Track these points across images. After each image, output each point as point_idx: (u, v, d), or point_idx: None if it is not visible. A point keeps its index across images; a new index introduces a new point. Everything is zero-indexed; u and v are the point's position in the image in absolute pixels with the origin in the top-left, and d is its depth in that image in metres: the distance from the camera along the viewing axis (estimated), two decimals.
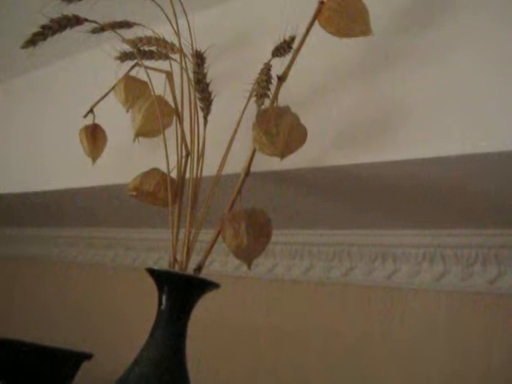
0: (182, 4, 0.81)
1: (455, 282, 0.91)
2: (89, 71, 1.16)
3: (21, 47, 0.76)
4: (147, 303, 0.89)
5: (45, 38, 0.77)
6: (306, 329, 1.05)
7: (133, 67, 0.90)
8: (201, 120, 0.80)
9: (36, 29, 0.77)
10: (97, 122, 0.93)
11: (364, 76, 0.75)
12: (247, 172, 0.73)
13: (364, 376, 0.96)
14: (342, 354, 1.00)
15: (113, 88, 0.91)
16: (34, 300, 1.62)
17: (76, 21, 0.80)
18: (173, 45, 0.85)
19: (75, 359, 1.11)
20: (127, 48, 0.89)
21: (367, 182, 0.79)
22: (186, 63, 0.81)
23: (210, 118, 0.80)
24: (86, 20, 0.81)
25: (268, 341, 1.10)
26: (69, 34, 0.80)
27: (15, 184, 1.27)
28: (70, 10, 0.79)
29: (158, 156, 0.80)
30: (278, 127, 0.66)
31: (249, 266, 0.70)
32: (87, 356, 1.12)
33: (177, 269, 0.75)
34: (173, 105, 0.82)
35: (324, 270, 1.05)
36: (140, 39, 0.87)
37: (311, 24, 0.69)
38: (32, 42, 0.76)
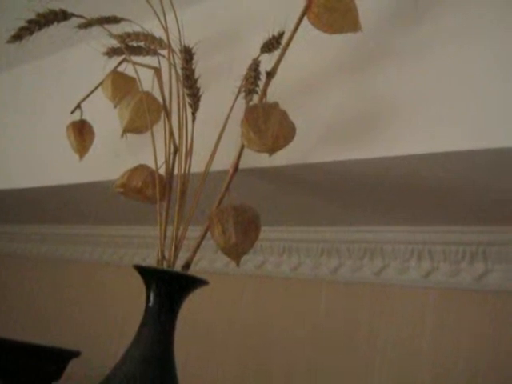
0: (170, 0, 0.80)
1: (443, 279, 0.91)
2: (76, 67, 1.15)
3: (7, 42, 0.75)
4: (135, 300, 0.88)
5: (31, 33, 0.76)
6: (294, 325, 1.05)
7: (120, 63, 0.89)
8: (189, 116, 0.79)
9: (22, 24, 0.76)
10: (84, 117, 0.92)
11: (352, 72, 0.74)
12: (235, 168, 0.73)
13: (352, 372, 0.96)
14: (330, 350, 1.00)
15: (100, 84, 0.90)
16: (22, 297, 1.61)
17: (63, 16, 0.79)
18: (161, 40, 0.84)
19: (63, 357, 1.11)
20: (115, 43, 0.88)
21: (355, 179, 0.79)
22: (174, 59, 0.80)
23: (198, 114, 0.79)
24: (73, 15, 0.80)
25: (257, 338, 1.10)
26: (56, 28, 0.80)
27: (5, 180, 1.26)
28: (57, 4, 0.79)
29: (146, 152, 0.80)
30: (267, 123, 0.65)
31: (237, 263, 0.70)
32: (75, 354, 1.11)
33: (165, 266, 0.74)
34: (161, 101, 0.82)
35: (312, 267, 1.05)
36: (128, 35, 0.86)
37: (300, 20, 0.68)
38: (18, 36, 0.75)
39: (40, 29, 0.77)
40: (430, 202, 0.83)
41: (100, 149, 0.94)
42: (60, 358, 1.11)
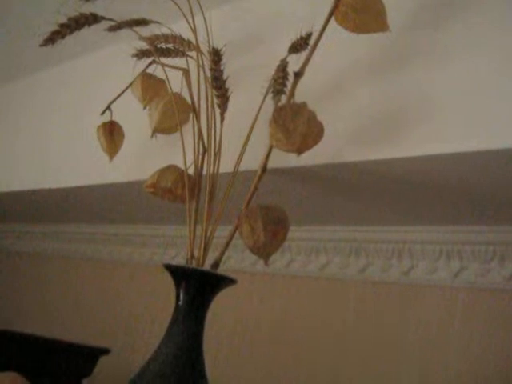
0: (198, 1, 0.81)
1: (472, 279, 0.91)
2: (106, 69, 1.17)
3: (40, 45, 0.77)
4: (164, 299, 0.89)
5: (63, 37, 0.78)
6: (322, 325, 1.05)
7: (150, 64, 0.90)
8: (218, 117, 0.80)
9: (53, 28, 0.78)
10: (114, 119, 0.93)
11: (380, 72, 0.74)
12: (264, 168, 0.73)
13: (380, 374, 0.96)
14: (357, 350, 1.00)
15: (130, 85, 0.91)
16: (52, 296, 1.64)
17: (94, 19, 0.80)
18: (189, 42, 0.85)
19: (93, 354, 1.13)
20: (144, 45, 0.89)
21: (384, 178, 0.79)
22: (202, 60, 0.81)
23: (226, 114, 0.80)
24: (104, 18, 0.81)
25: (284, 337, 1.10)
26: (86, 31, 0.81)
27: (32, 181, 1.28)
28: (88, 8, 0.80)
29: (175, 153, 0.81)
30: (295, 124, 0.66)
31: (266, 262, 0.70)
32: (104, 351, 1.13)
33: (194, 265, 0.75)
34: (190, 102, 0.83)
35: (340, 267, 1.05)
36: (157, 37, 0.87)
37: (328, 20, 0.68)
38: (51, 40, 0.77)
39: (71, 32, 0.78)
40: (459, 201, 0.82)
41: (129, 149, 0.96)
42: (90, 355, 1.13)
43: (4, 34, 1.26)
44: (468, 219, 0.89)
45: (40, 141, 1.31)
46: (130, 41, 0.90)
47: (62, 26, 0.77)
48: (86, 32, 0.81)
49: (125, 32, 0.86)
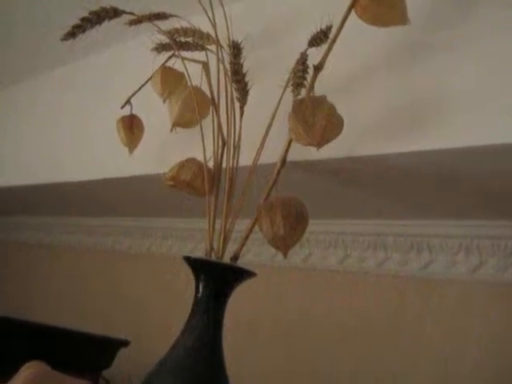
0: None
1: (491, 273, 0.90)
2: (126, 62, 1.17)
3: (61, 39, 0.77)
4: (182, 291, 0.90)
5: (84, 31, 0.78)
6: (341, 318, 1.06)
7: (169, 58, 0.90)
8: (237, 110, 0.80)
9: (73, 21, 0.78)
10: (134, 112, 0.94)
11: (400, 65, 0.74)
12: (283, 161, 0.73)
13: (397, 367, 0.96)
14: (376, 344, 1.00)
15: (150, 79, 0.92)
16: (71, 287, 1.66)
17: (114, 13, 0.81)
18: (209, 35, 0.85)
19: (113, 346, 1.13)
20: (164, 39, 0.90)
21: (403, 172, 0.79)
22: (222, 54, 0.81)
23: (246, 108, 0.80)
24: (124, 12, 0.82)
25: (303, 330, 1.10)
26: (107, 25, 0.81)
27: (55, 173, 1.29)
28: (107, 1, 0.80)
29: (195, 146, 0.81)
30: (315, 117, 0.66)
31: (285, 255, 0.70)
32: (124, 343, 1.14)
33: (213, 257, 0.76)
34: (209, 95, 0.83)
35: (359, 260, 1.05)
36: (176, 30, 0.87)
37: (347, 13, 0.68)
38: (72, 34, 0.77)
39: (92, 26, 0.78)
40: (478, 195, 0.82)
41: (149, 143, 0.96)
42: (110, 346, 1.14)
43: (22, 32, 1.27)
44: (487, 214, 0.88)
45: (53, 136, 1.32)
46: (145, 35, 0.90)
47: (82, 19, 0.78)
48: (106, 25, 0.81)
49: (144, 26, 0.86)
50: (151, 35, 0.88)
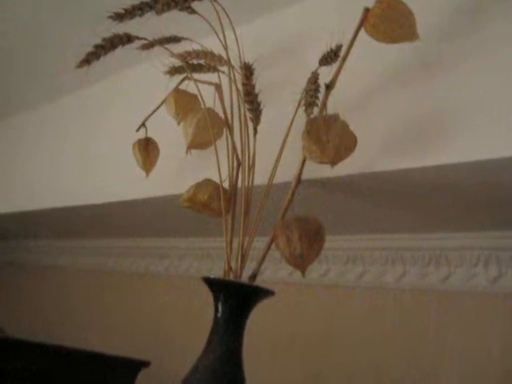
0: (228, 17, 0.82)
1: (511, 285, 0.90)
2: (139, 86, 1.19)
3: (76, 67, 0.78)
4: (201, 311, 0.90)
5: (98, 57, 0.79)
6: (360, 334, 1.05)
7: (182, 81, 0.92)
8: (251, 130, 0.81)
9: (89, 48, 0.80)
10: (149, 135, 0.95)
11: (411, 81, 0.75)
12: (298, 180, 0.74)
13: (419, 381, 0.95)
14: (397, 359, 0.99)
15: (163, 102, 0.93)
16: (91, 308, 1.66)
17: (127, 39, 0.82)
18: (221, 57, 0.86)
19: (133, 367, 1.14)
20: (176, 62, 0.91)
21: (417, 187, 0.79)
22: (234, 75, 0.82)
23: (259, 128, 0.81)
24: (137, 37, 0.83)
25: (322, 347, 1.10)
26: (120, 50, 0.83)
27: (69, 197, 1.30)
28: (119, 28, 0.82)
29: (210, 167, 0.82)
30: (328, 135, 0.66)
31: (303, 273, 0.70)
32: (144, 364, 1.14)
33: (231, 277, 0.76)
34: (223, 116, 0.84)
35: (377, 275, 1.05)
36: (188, 53, 0.89)
37: (357, 31, 0.69)
38: (86, 61, 0.78)
39: (106, 53, 0.80)
40: (496, 207, 0.82)
41: (165, 165, 0.97)
42: (131, 367, 1.14)
43: (36, 58, 1.29)
44: (506, 225, 0.88)
45: (60, 162, 1.33)
46: (163, 58, 0.91)
47: (96, 47, 0.79)
48: (118, 50, 0.83)
49: (156, 49, 0.87)
50: (159, 59, 0.89)
